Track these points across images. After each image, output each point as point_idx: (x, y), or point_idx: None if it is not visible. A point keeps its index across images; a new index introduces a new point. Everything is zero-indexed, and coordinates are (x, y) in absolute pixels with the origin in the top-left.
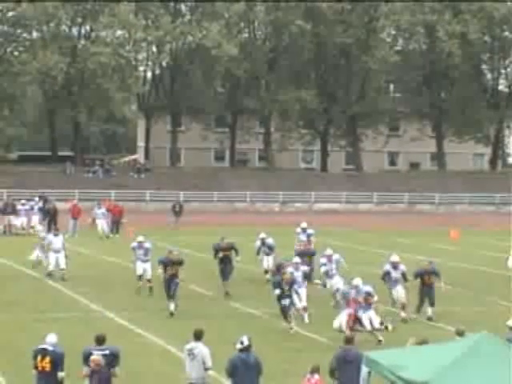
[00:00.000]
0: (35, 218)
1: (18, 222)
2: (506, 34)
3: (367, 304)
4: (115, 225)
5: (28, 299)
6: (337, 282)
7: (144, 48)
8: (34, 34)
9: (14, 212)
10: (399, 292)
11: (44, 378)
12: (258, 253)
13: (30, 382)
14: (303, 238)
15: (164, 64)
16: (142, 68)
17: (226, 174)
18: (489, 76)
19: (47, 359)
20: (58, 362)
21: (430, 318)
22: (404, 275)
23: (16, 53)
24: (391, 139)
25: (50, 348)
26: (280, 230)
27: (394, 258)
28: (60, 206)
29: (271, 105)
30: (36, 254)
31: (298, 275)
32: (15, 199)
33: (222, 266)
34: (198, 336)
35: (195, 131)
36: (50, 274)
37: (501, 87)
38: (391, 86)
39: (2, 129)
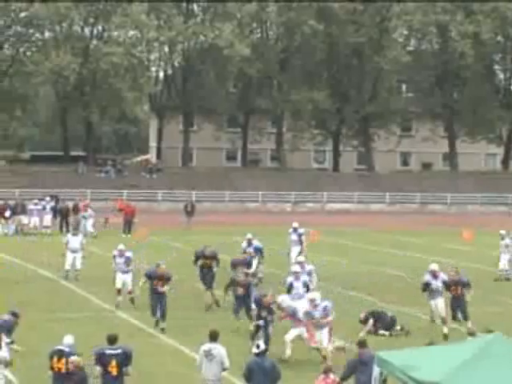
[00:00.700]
0: (47, 218)
1: (30, 221)
2: None
3: (321, 324)
4: (127, 224)
5: (41, 299)
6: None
7: (156, 48)
8: (47, 34)
9: (24, 212)
10: (439, 305)
11: (60, 379)
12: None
13: (42, 382)
14: (294, 237)
15: (176, 64)
16: (154, 68)
17: (237, 174)
18: (501, 76)
19: (63, 361)
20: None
21: (471, 333)
22: (446, 284)
23: (28, 53)
24: (403, 139)
25: (67, 349)
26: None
27: (434, 266)
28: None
29: (283, 105)
30: None
31: (299, 285)
32: (27, 199)
33: (201, 274)
34: (214, 337)
35: (207, 131)
36: (66, 273)
37: None
38: (403, 86)
39: (15, 129)
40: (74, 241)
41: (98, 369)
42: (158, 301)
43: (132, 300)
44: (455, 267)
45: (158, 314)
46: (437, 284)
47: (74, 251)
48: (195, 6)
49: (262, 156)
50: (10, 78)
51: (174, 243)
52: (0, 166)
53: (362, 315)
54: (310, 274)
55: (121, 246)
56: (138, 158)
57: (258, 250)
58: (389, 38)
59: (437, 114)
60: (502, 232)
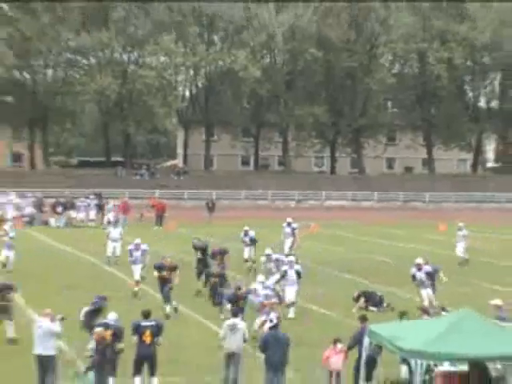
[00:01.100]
0: (92, 213)
1: (78, 216)
2: (486, 59)
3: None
4: (159, 219)
5: (87, 281)
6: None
7: (183, 71)
8: (92, 60)
9: (73, 208)
10: (429, 293)
11: (104, 348)
12: (242, 243)
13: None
14: (288, 230)
15: (199, 84)
16: (181, 88)
17: (250, 176)
18: (470, 95)
19: (109, 332)
20: (118, 334)
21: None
22: (429, 275)
23: (76, 76)
24: (389, 147)
25: (112, 322)
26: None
27: (419, 260)
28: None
29: (288, 119)
30: (5, 253)
31: (292, 273)
32: (75, 197)
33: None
34: (236, 313)
35: (225, 140)
36: (108, 260)
37: (480, 104)
38: (389, 103)
39: (65, 139)
40: (115, 232)
41: (135, 338)
42: (164, 287)
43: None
44: (425, 258)
45: (165, 299)
46: (421, 275)
47: (114, 240)
48: (215, 36)
49: (271, 161)
50: (61, 96)
51: (197, 234)
52: (53, 169)
53: (355, 294)
54: (276, 261)
55: (137, 240)
56: (168, 163)
57: (253, 240)
58: (376, 63)
59: (417, 126)
60: (460, 224)
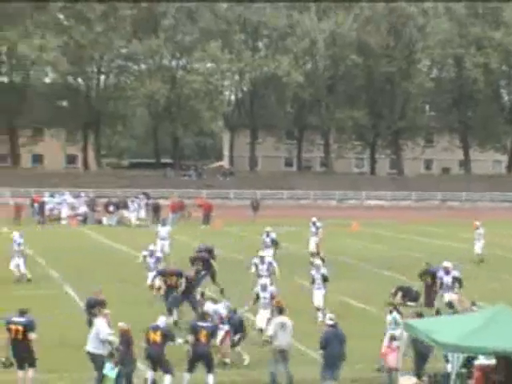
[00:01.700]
0: (142, 212)
1: (129, 215)
2: None
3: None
4: (206, 217)
5: (137, 276)
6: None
7: (229, 76)
8: (142, 66)
9: (126, 207)
10: (452, 297)
11: (155, 347)
12: (263, 244)
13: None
14: (313, 229)
15: (245, 89)
16: (227, 92)
17: (293, 177)
18: (506, 98)
19: (158, 333)
20: (168, 335)
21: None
22: (457, 280)
23: (128, 81)
24: (427, 149)
25: (162, 325)
26: (336, 222)
27: (446, 263)
28: (162, 202)
29: (330, 122)
30: (14, 263)
31: (318, 277)
32: (127, 197)
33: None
34: (282, 311)
35: (269, 143)
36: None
37: None
38: (427, 107)
39: (117, 141)
40: (163, 230)
41: (191, 337)
42: (169, 294)
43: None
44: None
45: (174, 307)
46: (447, 279)
47: (162, 239)
48: (260, 43)
49: (313, 162)
50: (113, 101)
51: (242, 232)
52: (105, 170)
53: (393, 289)
54: (269, 267)
55: (152, 247)
56: (214, 164)
57: (274, 242)
58: (415, 68)
59: (454, 128)
60: (477, 223)
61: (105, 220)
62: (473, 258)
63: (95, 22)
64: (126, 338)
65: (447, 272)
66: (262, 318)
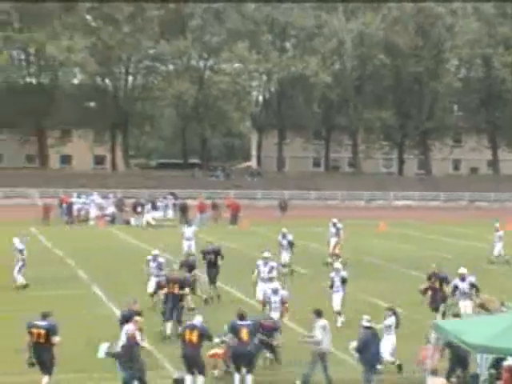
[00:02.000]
0: (170, 212)
1: (157, 215)
2: None
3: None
4: (234, 218)
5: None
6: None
7: (256, 77)
8: (170, 67)
9: (155, 207)
10: (467, 307)
11: (190, 348)
12: (279, 245)
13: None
14: (333, 230)
15: (272, 90)
16: (254, 93)
17: (321, 177)
18: None
19: (195, 333)
20: (205, 334)
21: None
22: (474, 286)
23: (155, 82)
24: (455, 149)
25: (198, 324)
26: (364, 222)
27: (462, 270)
28: (190, 202)
29: (358, 122)
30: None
31: (337, 279)
32: (155, 197)
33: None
34: (320, 313)
35: (297, 143)
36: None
37: None
38: (455, 106)
39: (145, 142)
40: (188, 231)
41: (231, 336)
42: (173, 304)
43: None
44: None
45: (174, 316)
46: (463, 286)
47: (188, 239)
48: (287, 44)
49: (341, 163)
50: (141, 101)
51: (269, 233)
52: (133, 171)
53: (422, 287)
54: (271, 269)
55: (155, 251)
56: (242, 165)
57: (291, 243)
58: (443, 68)
59: (482, 128)
60: (497, 225)
61: (133, 220)
62: (497, 259)
63: (123, 23)
64: (132, 342)
65: (463, 279)
66: None
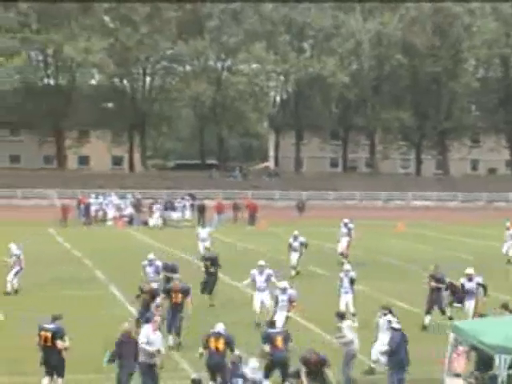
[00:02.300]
0: (187, 213)
1: (175, 215)
2: None
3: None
4: (251, 218)
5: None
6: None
7: (274, 78)
8: (187, 68)
9: (172, 208)
10: (471, 306)
11: (217, 355)
12: (290, 247)
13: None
14: (344, 230)
15: (290, 90)
16: (272, 93)
17: (339, 177)
18: None
19: (221, 340)
20: (230, 342)
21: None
22: (482, 286)
23: (173, 83)
24: (473, 149)
25: (223, 331)
26: (381, 223)
27: (469, 270)
28: (207, 203)
29: (375, 122)
30: (10, 277)
31: (346, 280)
32: (173, 198)
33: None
34: (343, 316)
35: (314, 143)
36: (202, 256)
37: None
38: (473, 106)
39: (162, 143)
40: (203, 232)
41: (267, 346)
42: (174, 315)
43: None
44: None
45: (173, 330)
46: (471, 285)
47: (202, 240)
48: (305, 44)
49: (358, 163)
50: (159, 102)
51: (287, 234)
52: (151, 171)
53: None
54: (268, 278)
55: (151, 256)
56: (260, 165)
57: (302, 244)
58: (461, 68)
59: (500, 128)
60: (508, 224)
61: (150, 221)
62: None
63: (140, 24)
64: (128, 340)
65: (470, 279)
66: (279, 319)
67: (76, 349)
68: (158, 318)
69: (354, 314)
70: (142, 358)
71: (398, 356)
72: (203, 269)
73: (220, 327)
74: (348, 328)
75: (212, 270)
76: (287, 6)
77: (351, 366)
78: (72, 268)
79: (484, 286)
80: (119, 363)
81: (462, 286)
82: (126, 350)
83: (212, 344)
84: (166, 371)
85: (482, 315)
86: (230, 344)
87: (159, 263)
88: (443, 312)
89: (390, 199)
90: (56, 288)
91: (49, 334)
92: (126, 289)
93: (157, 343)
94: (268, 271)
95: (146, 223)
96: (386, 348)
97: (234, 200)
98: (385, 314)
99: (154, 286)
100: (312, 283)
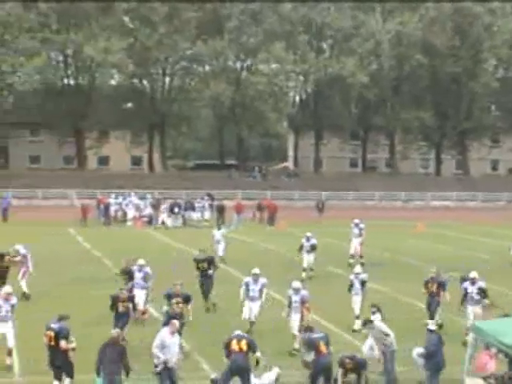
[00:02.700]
0: (207, 213)
1: (194, 216)
2: None
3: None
4: (271, 218)
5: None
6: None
7: (293, 78)
8: (207, 68)
9: (193, 208)
10: (476, 312)
11: (240, 355)
12: (300, 249)
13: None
14: (356, 231)
15: (309, 90)
16: (291, 93)
17: (358, 177)
18: None
19: (244, 341)
20: (252, 344)
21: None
22: (483, 291)
23: (192, 83)
24: (493, 149)
25: (245, 334)
26: (401, 223)
27: (473, 274)
28: (226, 203)
29: (395, 122)
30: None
31: (357, 282)
32: (192, 198)
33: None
34: (372, 319)
35: (334, 143)
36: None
37: None
38: (493, 106)
39: (182, 143)
40: (217, 234)
41: (312, 352)
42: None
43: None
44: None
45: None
46: (472, 290)
47: (216, 242)
48: (324, 44)
49: (378, 163)
50: (178, 102)
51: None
52: (171, 172)
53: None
54: (262, 288)
55: (141, 261)
56: (279, 165)
57: (314, 247)
58: (481, 68)
59: None
60: None
61: (170, 221)
62: None
63: (159, 24)
64: (115, 347)
65: (473, 283)
66: (294, 323)
67: (95, 348)
68: (175, 321)
69: (357, 317)
70: (156, 361)
71: (435, 358)
72: (196, 272)
73: (237, 332)
74: (381, 324)
75: (209, 272)
76: (306, 5)
77: (395, 364)
78: (92, 268)
79: (485, 292)
80: (101, 368)
81: (465, 289)
82: (108, 355)
83: (235, 346)
84: (185, 371)
85: (506, 315)
86: (252, 346)
87: (149, 270)
88: (432, 317)
89: (410, 199)
90: (76, 288)
91: (52, 334)
92: None
93: (173, 347)
94: (263, 280)
95: (163, 223)
96: (422, 350)
97: (256, 200)
98: (373, 313)
99: (140, 293)
100: (331, 284)
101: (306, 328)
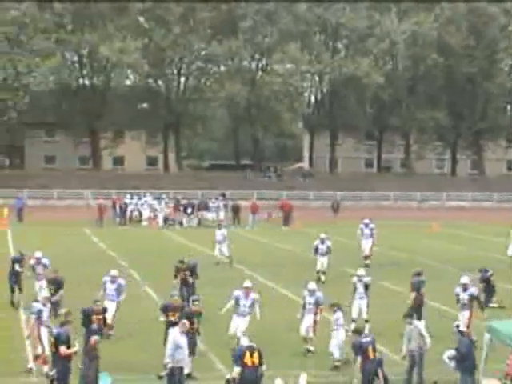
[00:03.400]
0: (221, 213)
1: (209, 216)
2: None
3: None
4: (286, 218)
5: (211, 278)
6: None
7: (308, 78)
8: (222, 68)
9: (207, 208)
10: (465, 316)
11: (253, 370)
12: (315, 251)
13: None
14: (367, 231)
15: (324, 90)
16: (306, 94)
17: (374, 178)
18: None
19: (256, 354)
20: (262, 357)
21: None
22: (474, 298)
23: (208, 83)
24: (509, 149)
25: (254, 345)
26: (416, 223)
27: (464, 279)
28: (242, 203)
29: (410, 122)
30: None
31: (361, 285)
32: (208, 198)
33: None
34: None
35: (349, 143)
36: (217, 263)
37: None
38: (508, 107)
39: (197, 143)
40: (218, 234)
41: (359, 358)
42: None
43: (109, 336)
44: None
45: None
46: (464, 296)
47: (218, 242)
48: (339, 44)
49: (393, 163)
50: (193, 102)
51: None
52: (186, 172)
53: (481, 285)
54: (253, 303)
55: (113, 272)
56: (294, 166)
57: (329, 249)
58: (496, 68)
59: None
60: None
61: (185, 221)
62: None
63: (175, 25)
64: (91, 353)
65: (465, 289)
66: (305, 324)
67: (112, 348)
68: (185, 322)
69: (366, 321)
70: (177, 364)
71: (468, 361)
72: (176, 279)
73: (245, 340)
74: (420, 325)
75: (190, 280)
76: (321, 6)
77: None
78: (108, 268)
79: (478, 299)
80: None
81: (457, 295)
82: (88, 357)
83: (248, 359)
84: (200, 371)
85: None
86: (261, 358)
87: (123, 282)
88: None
89: (425, 199)
90: (91, 288)
91: (52, 339)
92: (160, 289)
93: (185, 345)
94: (254, 295)
95: (180, 223)
96: (453, 353)
97: (271, 201)
98: (334, 312)
99: (111, 306)
100: (346, 285)
101: (355, 331)
